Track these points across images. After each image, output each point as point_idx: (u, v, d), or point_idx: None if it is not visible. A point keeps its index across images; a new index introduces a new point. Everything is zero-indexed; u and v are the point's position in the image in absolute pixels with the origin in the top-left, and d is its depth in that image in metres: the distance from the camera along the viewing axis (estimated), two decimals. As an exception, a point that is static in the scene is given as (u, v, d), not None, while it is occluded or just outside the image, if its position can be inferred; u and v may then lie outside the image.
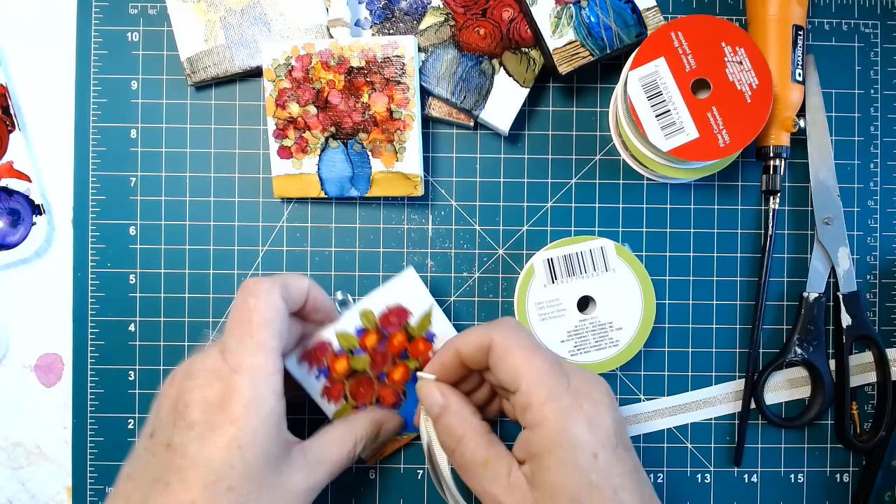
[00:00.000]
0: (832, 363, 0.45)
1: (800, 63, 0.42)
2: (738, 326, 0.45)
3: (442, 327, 0.41)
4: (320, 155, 0.43)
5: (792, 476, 0.45)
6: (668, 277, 0.45)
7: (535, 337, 0.41)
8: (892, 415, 0.44)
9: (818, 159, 0.45)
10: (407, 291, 0.41)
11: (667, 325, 0.45)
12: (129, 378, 0.44)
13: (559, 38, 0.41)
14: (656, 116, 0.39)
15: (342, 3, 0.42)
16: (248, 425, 0.30)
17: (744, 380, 0.45)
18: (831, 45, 0.45)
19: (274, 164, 0.43)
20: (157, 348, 0.44)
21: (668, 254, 0.45)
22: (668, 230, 0.45)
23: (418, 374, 0.38)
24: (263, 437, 0.31)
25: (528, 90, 0.43)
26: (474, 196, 0.45)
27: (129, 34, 0.44)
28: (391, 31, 0.43)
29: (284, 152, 0.43)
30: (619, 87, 0.42)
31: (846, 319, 0.44)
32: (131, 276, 0.44)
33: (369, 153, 0.43)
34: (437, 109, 0.44)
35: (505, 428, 0.45)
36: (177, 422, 0.31)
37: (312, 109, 0.42)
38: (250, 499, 0.30)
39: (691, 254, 0.45)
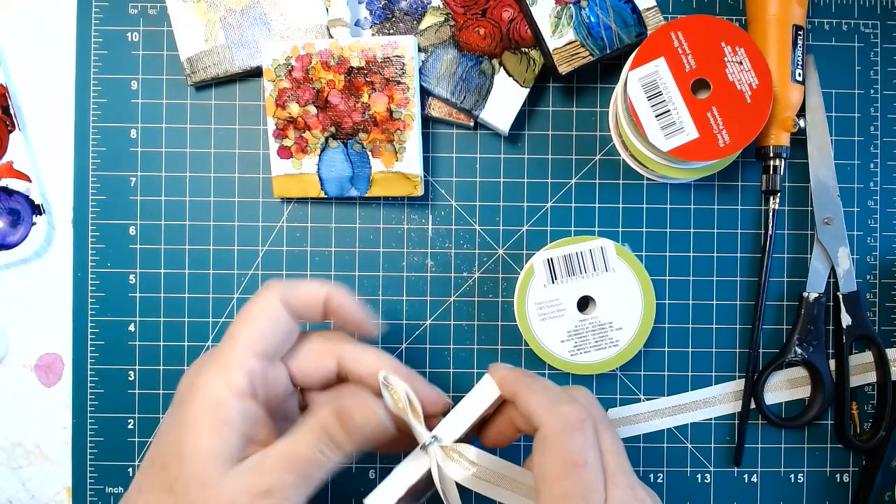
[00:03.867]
0: (832, 363, 0.45)
1: (800, 63, 0.42)
2: (738, 326, 0.45)
3: None
4: (320, 155, 0.43)
5: (792, 476, 0.45)
6: (668, 277, 0.45)
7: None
8: (892, 415, 0.44)
9: (818, 159, 0.45)
10: (486, 400, 0.35)
11: (667, 325, 0.45)
12: (129, 378, 0.44)
13: (559, 38, 0.41)
14: (656, 116, 0.39)
15: (342, 3, 0.42)
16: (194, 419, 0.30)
17: (744, 380, 0.45)
18: (831, 45, 0.45)
19: (274, 164, 0.43)
20: (156, 348, 0.44)
21: (668, 254, 0.45)
22: (668, 230, 0.45)
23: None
24: (201, 426, 0.30)
25: (528, 90, 0.43)
26: (474, 196, 0.45)
27: (129, 34, 0.44)
28: (391, 31, 0.43)
29: (284, 152, 0.43)
30: (619, 87, 0.42)
31: (846, 319, 0.44)
32: (131, 276, 0.44)
33: (369, 153, 0.43)
34: (437, 109, 0.44)
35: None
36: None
37: (312, 109, 0.42)
38: (178, 483, 0.29)
39: (691, 254, 0.45)
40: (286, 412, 0.36)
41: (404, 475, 0.34)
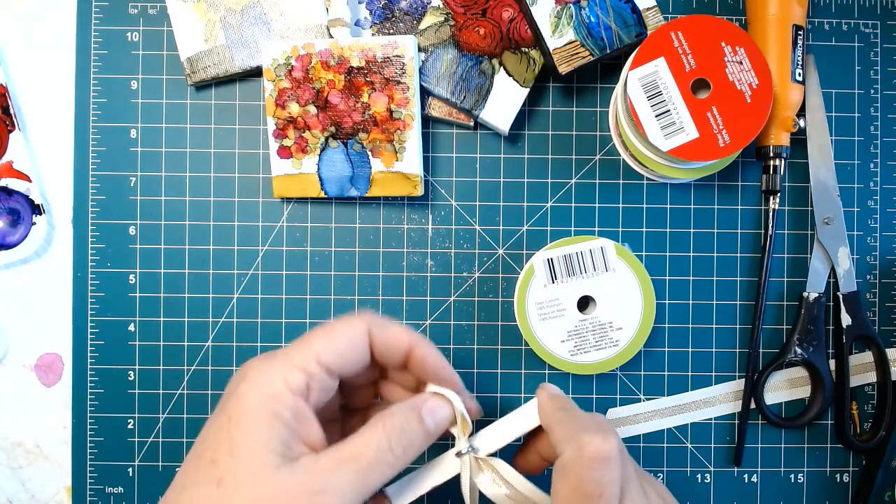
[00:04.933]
0: (832, 363, 0.45)
1: (800, 63, 0.42)
2: (738, 326, 0.45)
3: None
4: (320, 155, 0.43)
5: (792, 476, 0.45)
6: (668, 277, 0.45)
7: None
8: (892, 415, 0.44)
9: (818, 159, 0.45)
10: (530, 422, 0.35)
11: (667, 325, 0.45)
12: (129, 378, 0.44)
13: (559, 38, 0.41)
14: (656, 116, 0.39)
15: (342, 3, 0.42)
16: (244, 405, 0.30)
17: (744, 380, 0.45)
18: (831, 45, 0.45)
19: (274, 163, 0.43)
20: (156, 348, 0.44)
21: (668, 254, 0.45)
22: (668, 230, 0.45)
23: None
24: (255, 418, 0.29)
25: (528, 90, 0.43)
26: (474, 196, 0.45)
27: (129, 34, 0.44)
28: (391, 31, 0.43)
29: (284, 152, 0.43)
30: (618, 87, 0.42)
31: (846, 319, 0.44)
32: (131, 276, 0.44)
33: (369, 153, 0.43)
34: (437, 109, 0.44)
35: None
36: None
37: (312, 109, 0.42)
38: (228, 475, 0.29)
39: (691, 254, 0.45)
40: (327, 415, 0.36)
41: (432, 477, 0.34)
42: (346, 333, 0.32)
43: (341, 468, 0.29)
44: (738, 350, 0.45)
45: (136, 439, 0.44)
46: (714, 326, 0.45)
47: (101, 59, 0.44)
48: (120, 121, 0.44)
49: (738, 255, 0.45)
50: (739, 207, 0.45)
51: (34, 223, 0.44)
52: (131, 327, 0.44)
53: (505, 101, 0.43)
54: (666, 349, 0.45)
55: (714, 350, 0.45)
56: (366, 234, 0.45)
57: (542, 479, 0.40)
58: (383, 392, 0.37)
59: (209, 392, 0.44)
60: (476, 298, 0.45)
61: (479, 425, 0.36)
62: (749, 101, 0.39)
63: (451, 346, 0.45)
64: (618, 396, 0.45)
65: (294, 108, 0.42)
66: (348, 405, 0.38)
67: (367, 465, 0.30)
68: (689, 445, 0.45)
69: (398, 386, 0.37)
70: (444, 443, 0.35)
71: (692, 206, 0.45)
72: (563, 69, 0.42)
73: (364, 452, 0.30)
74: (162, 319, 0.44)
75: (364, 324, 0.33)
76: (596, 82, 0.45)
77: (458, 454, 0.34)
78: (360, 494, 0.30)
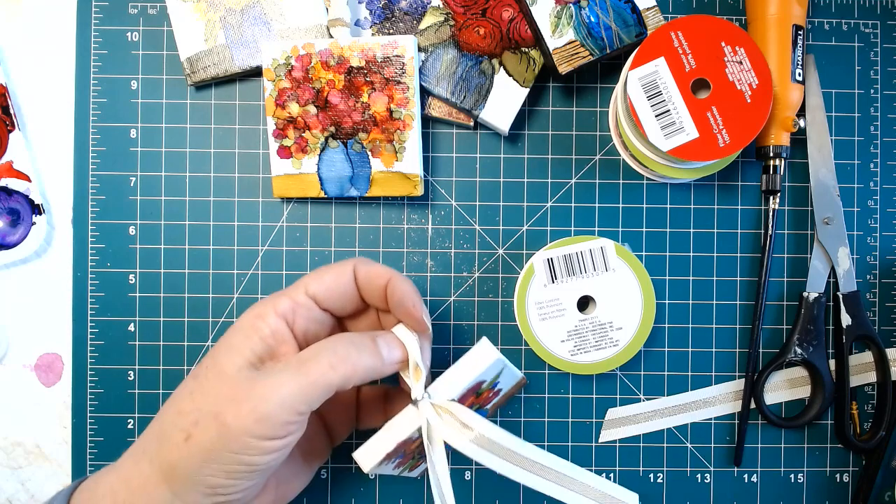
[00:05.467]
0: (832, 363, 0.45)
1: (800, 63, 0.42)
2: (738, 326, 0.45)
3: (508, 379, 0.39)
4: (320, 155, 0.43)
5: (792, 476, 0.45)
6: (668, 277, 0.45)
7: None
8: (892, 415, 0.44)
9: (818, 159, 0.45)
10: (483, 363, 0.36)
11: (667, 325, 0.45)
12: (129, 378, 0.44)
13: (559, 37, 0.41)
14: (656, 116, 0.39)
15: (342, 3, 0.42)
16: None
17: (744, 380, 0.45)
18: (831, 45, 0.45)
19: (274, 163, 0.43)
20: (156, 348, 0.44)
21: (668, 254, 0.45)
22: (668, 230, 0.45)
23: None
24: (237, 331, 0.34)
25: (528, 90, 0.43)
26: (474, 196, 0.45)
27: (129, 34, 0.44)
28: (391, 31, 0.43)
29: (284, 152, 0.43)
30: (619, 87, 0.42)
31: (846, 319, 0.44)
32: (131, 276, 0.44)
33: (369, 153, 0.43)
34: (437, 109, 0.44)
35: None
36: None
37: (312, 109, 0.42)
38: (202, 369, 0.33)
39: (691, 254, 0.45)
40: (340, 403, 0.41)
41: (394, 430, 0.35)
42: (333, 269, 0.36)
43: (287, 376, 0.32)
44: (738, 350, 0.45)
45: (136, 439, 0.44)
46: (714, 326, 0.45)
47: (101, 59, 0.44)
48: (120, 121, 0.44)
49: (738, 255, 0.45)
50: (739, 207, 0.45)
51: (34, 223, 0.44)
52: (131, 327, 0.44)
53: (505, 101, 0.43)
54: (666, 349, 0.45)
55: (714, 350, 0.45)
56: (366, 234, 0.45)
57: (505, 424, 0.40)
58: None
59: (209, 392, 0.44)
60: (476, 298, 0.45)
61: (434, 376, 0.36)
62: (749, 101, 0.39)
63: (451, 347, 0.45)
64: (618, 396, 0.45)
65: (294, 108, 0.42)
66: (362, 394, 0.41)
67: (312, 379, 0.32)
68: (689, 445, 0.45)
69: None
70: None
71: (692, 206, 0.45)
72: (563, 69, 0.42)
73: (312, 365, 0.32)
74: (162, 319, 0.44)
75: (351, 263, 0.37)
76: (596, 82, 0.45)
77: (414, 401, 0.35)
78: (304, 403, 0.32)
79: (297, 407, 0.31)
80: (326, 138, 0.43)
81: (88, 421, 0.44)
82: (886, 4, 0.46)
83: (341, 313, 0.38)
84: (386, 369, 0.35)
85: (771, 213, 0.44)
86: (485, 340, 0.36)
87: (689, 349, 0.45)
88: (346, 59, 0.42)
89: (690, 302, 0.45)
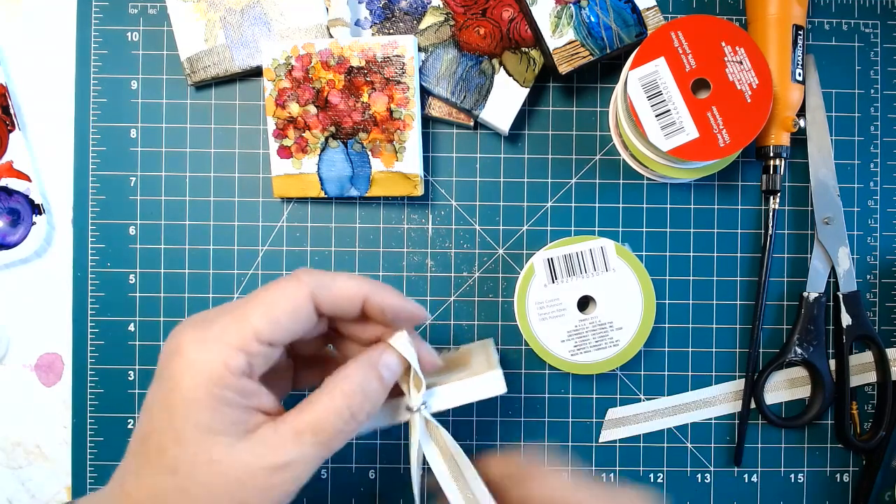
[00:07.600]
0: (832, 363, 0.45)
1: (800, 63, 0.42)
2: (738, 326, 0.45)
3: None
4: (320, 155, 0.43)
5: (792, 476, 0.45)
6: (668, 277, 0.45)
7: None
8: (892, 415, 0.44)
9: (818, 159, 0.45)
10: (488, 392, 0.35)
11: (667, 325, 0.45)
12: (129, 378, 0.44)
13: (559, 37, 0.41)
14: (656, 116, 0.39)
15: (342, 3, 0.42)
16: (180, 387, 0.28)
17: (744, 380, 0.45)
18: (831, 45, 0.45)
19: (274, 163, 0.43)
20: (156, 348, 0.44)
21: (668, 254, 0.45)
22: (668, 230, 0.45)
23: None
24: (197, 404, 0.28)
25: (528, 90, 0.43)
26: (474, 196, 0.45)
27: (129, 34, 0.45)
28: (391, 31, 0.43)
29: (284, 152, 0.43)
30: (619, 87, 0.42)
31: (846, 319, 0.44)
32: (131, 276, 0.44)
33: (369, 153, 0.43)
34: (437, 109, 0.44)
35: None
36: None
37: (312, 109, 0.42)
38: (182, 464, 0.27)
39: (691, 254, 0.45)
40: (275, 370, 0.33)
41: (383, 419, 0.34)
42: (285, 303, 0.30)
43: (303, 439, 0.28)
44: (738, 350, 0.45)
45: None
46: (714, 326, 0.45)
47: (101, 59, 0.44)
48: (120, 121, 0.44)
49: (738, 255, 0.45)
50: (739, 207, 0.45)
51: (34, 223, 0.44)
52: (131, 327, 0.44)
53: (505, 100, 0.43)
54: (666, 349, 0.45)
55: (714, 350, 0.45)
56: (366, 234, 0.45)
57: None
58: (337, 345, 0.36)
59: (209, 392, 0.44)
60: (476, 298, 0.45)
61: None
62: (749, 100, 0.39)
63: (452, 347, 0.45)
64: (618, 396, 0.45)
65: (294, 108, 0.42)
66: (298, 354, 0.36)
67: (329, 435, 0.29)
68: (689, 445, 0.45)
69: (352, 342, 0.35)
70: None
71: (692, 206, 0.45)
72: (563, 69, 0.42)
73: (325, 421, 0.29)
74: (162, 319, 0.44)
75: (305, 287, 0.30)
76: (596, 82, 0.45)
77: (410, 409, 0.33)
78: (322, 461, 0.29)
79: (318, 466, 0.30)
80: (326, 138, 0.43)
81: (88, 421, 0.44)
82: (886, 4, 0.46)
83: (298, 341, 0.33)
84: (389, 390, 0.32)
85: (771, 213, 0.44)
86: (499, 373, 0.35)
87: (690, 349, 0.45)
88: (347, 59, 0.42)
89: (690, 302, 0.45)
